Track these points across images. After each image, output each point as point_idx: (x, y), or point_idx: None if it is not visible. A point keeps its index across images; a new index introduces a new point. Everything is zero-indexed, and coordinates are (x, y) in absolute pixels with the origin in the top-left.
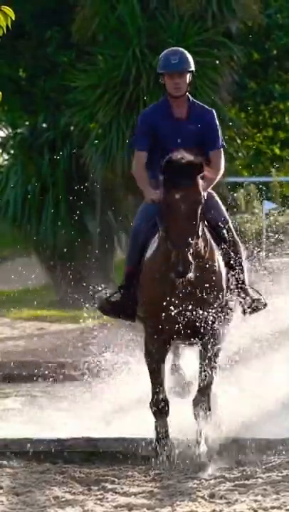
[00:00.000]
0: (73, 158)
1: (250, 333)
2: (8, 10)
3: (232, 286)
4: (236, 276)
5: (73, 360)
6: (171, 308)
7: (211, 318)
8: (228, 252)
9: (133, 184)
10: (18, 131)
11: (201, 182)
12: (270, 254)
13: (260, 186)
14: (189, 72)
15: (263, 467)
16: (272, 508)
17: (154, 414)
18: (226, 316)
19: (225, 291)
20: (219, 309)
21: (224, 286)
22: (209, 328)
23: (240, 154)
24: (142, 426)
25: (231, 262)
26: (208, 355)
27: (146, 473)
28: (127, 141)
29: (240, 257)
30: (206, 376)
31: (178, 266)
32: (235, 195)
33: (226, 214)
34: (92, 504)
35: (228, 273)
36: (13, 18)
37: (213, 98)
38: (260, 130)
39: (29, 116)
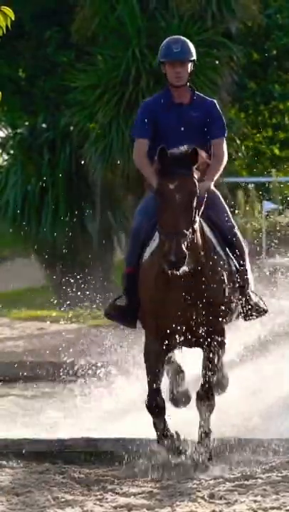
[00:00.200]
0: (73, 159)
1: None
2: (8, 10)
3: (234, 288)
4: (238, 278)
5: (73, 361)
6: (171, 307)
7: (213, 318)
8: (231, 252)
9: (133, 184)
10: (18, 131)
11: (196, 172)
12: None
13: (261, 187)
14: (191, 61)
15: (263, 467)
16: (272, 508)
17: (151, 413)
18: (227, 317)
19: (226, 290)
20: (220, 309)
21: (225, 286)
22: (210, 329)
23: (239, 154)
24: (141, 426)
25: (234, 262)
26: (211, 355)
27: (145, 474)
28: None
29: (243, 259)
30: (209, 376)
31: (170, 256)
32: (234, 195)
33: (229, 213)
34: (91, 504)
35: (229, 273)
36: (13, 19)
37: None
38: (260, 130)
39: (29, 116)
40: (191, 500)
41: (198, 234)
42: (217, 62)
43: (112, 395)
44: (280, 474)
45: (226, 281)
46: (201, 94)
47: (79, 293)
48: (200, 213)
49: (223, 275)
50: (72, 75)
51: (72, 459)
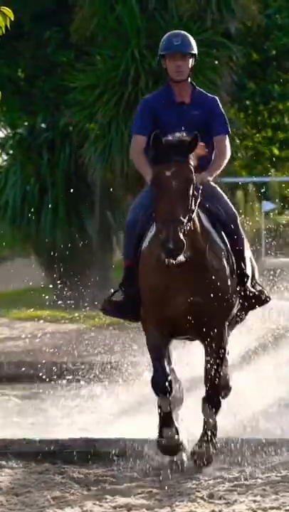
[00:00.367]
0: (72, 159)
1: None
2: (8, 10)
3: (232, 278)
4: (236, 265)
5: (72, 361)
6: (171, 295)
7: (214, 308)
8: (230, 241)
9: (132, 184)
10: (17, 131)
11: (193, 160)
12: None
13: (260, 187)
14: (192, 55)
15: (262, 467)
16: (272, 508)
17: (158, 392)
18: (229, 308)
19: (228, 279)
20: (222, 298)
21: (227, 275)
22: (212, 319)
23: (239, 154)
24: (141, 426)
25: (231, 253)
26: (214, 349)
27: (145, 474)
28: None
29: (242, 248)
30: (212, 374)
31: (168, 243)
32: (234, 195)
33: (230, 203)
34: (91, 504)
35: (228, 262)
36: (12, 19)
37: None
38: (259, 130)
39: (28, 116)
40: (190, 500)
41: (197, 222)
42: (216, 62)
43: (112, 395)
44: (279, 474)
45: (225, 269)
46: (203, 91)
47: (78, 293)
48: (197, 202)
49: (222, 263)
50: (72, 75)
51: (71, 459)
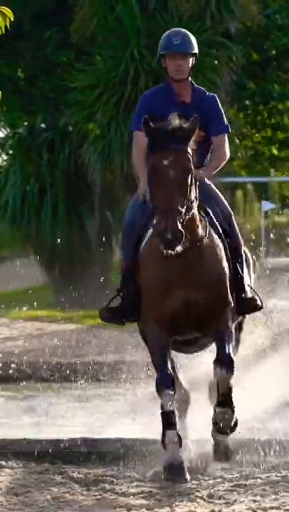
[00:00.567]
0: (72, 159)
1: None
2: (7, 10)
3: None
4: (235, 270)
5: (72, 361)
6: (171, 292)
7: (215, 305)
8: (228, 242)
9: (132, 184)
10: (17, 131)
11: (191, 148)
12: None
13: (260, 187)
14: (192, 54)
15: (262, 467)
16: (271, 508)
17: (162, 388)
18: (230, 302)
19: (227, 276)
20: (223, 291)
21: (226, 271)
22: (215, 317)
23: (238, 154)
24: (141, 426)
25: (231, 253)
26: (221, 325)
27: (144, 474)
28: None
29: (239, 250)
30: (221, 377)
31: (166, 233)
32: (233, 195)
33: (225, 202)
34: (91, 504)
35: (227, 260)
36: (12, 19)
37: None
38: (259, 130)
39: (28, 116)
40: (190, 500)
41: (196, 212)
42: (216, 62)
43: (113, 395)
44: (279, 474)
45: (224, 264)
46: (202, 89)
47: (78, 293)
48: (196, 193)
49: (222, 258)
50: (72, 75)
51: (71, 459)
